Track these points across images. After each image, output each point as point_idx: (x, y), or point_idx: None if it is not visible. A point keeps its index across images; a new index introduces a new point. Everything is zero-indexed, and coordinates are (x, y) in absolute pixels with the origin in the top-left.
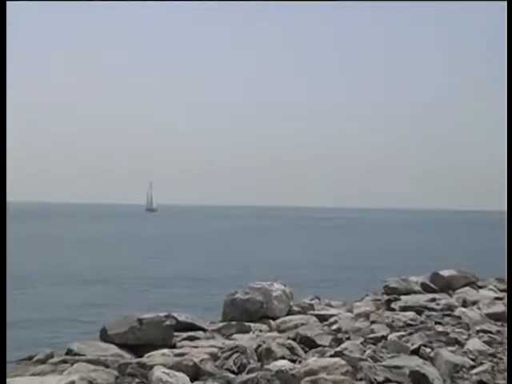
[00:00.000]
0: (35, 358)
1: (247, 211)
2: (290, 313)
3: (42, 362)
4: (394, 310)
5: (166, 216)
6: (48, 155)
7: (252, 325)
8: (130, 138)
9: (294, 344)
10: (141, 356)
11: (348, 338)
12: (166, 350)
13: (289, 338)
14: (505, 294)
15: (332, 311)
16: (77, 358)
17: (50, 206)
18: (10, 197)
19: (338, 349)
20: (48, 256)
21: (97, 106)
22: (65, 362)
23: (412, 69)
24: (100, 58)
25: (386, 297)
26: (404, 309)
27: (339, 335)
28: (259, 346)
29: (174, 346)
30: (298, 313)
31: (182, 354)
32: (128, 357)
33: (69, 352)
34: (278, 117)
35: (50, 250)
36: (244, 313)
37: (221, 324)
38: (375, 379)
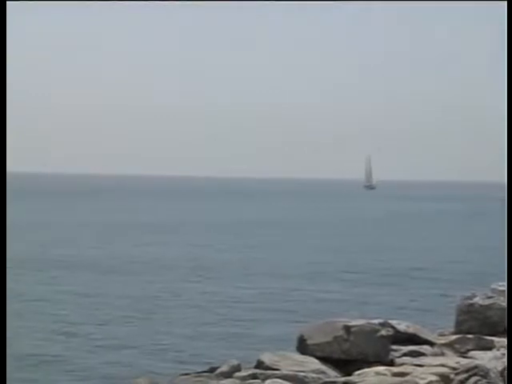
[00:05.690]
0: (218, 371)
1: None
2: None
3: (227, 375)
4: None
5: (388, 195)
6: None
7: (495, 339)
8: None
9: None
10: (349, 374)
11: None
12: (381, 368)
13: None
14: None
15: None
16: (269, 372)
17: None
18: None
19: None
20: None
21: None
22: (254, 376)
23: None
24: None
25: None
26: None
27: None
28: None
29: (391, 363)
30: None
31: (403, 374)
32: (332, 374)
33: (259, 365)
34: None
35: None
36: (484, 323)
37: (453, 337)
38: None
